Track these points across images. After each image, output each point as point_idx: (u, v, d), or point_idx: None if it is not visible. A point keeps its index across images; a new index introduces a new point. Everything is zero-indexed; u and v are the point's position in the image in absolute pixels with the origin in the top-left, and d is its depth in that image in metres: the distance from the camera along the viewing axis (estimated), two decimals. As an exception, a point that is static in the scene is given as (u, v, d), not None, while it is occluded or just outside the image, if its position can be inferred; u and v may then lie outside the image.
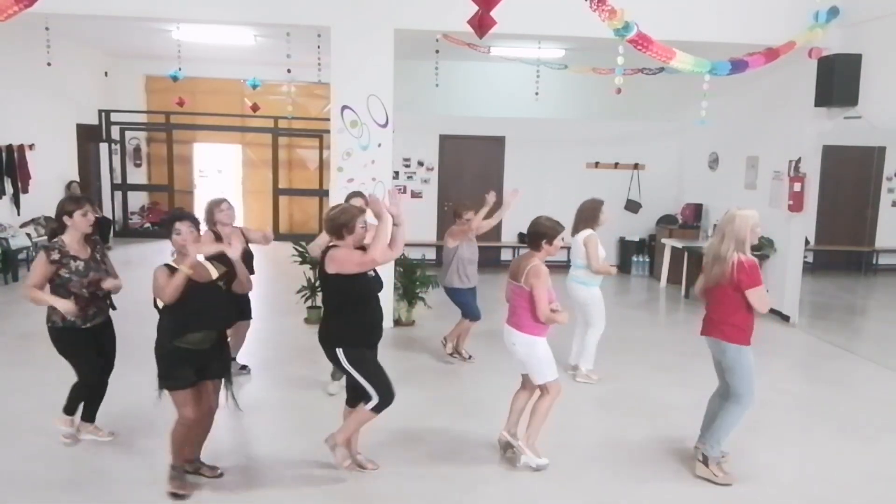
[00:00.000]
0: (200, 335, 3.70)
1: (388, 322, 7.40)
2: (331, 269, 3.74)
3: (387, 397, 3.90)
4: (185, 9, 7.23)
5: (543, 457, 4.29)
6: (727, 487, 4.17)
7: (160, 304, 3.67)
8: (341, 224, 3.78)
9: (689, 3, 7.43)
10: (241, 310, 5.54)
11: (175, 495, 3.81)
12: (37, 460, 4.26)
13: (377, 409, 3.89)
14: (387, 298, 7.37)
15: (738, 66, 6.28)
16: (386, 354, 6.28)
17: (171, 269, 3.63)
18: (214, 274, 3.79)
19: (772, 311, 8.71)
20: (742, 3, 7.48)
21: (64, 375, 5.67)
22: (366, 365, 3.89)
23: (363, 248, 3.82)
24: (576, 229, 5.95)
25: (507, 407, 4.50)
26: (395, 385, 5.85)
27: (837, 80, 7.37)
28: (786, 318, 8.34)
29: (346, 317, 3.85)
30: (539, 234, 4.22)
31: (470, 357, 6.54)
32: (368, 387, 3.87)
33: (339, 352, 3.83)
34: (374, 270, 3.97)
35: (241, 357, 6.45)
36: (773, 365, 6.55)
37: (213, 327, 3.79)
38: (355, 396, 4.05)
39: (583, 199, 11.50)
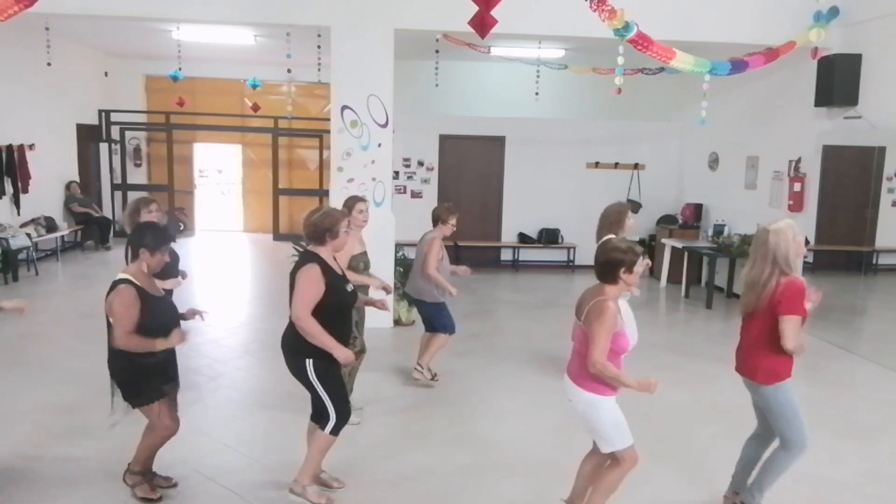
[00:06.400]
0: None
1: (387, 322, 7.42)
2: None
3: (344, 415, 3.70)
4: (185, 9, 7.23)
5: None
6: (723, 488, 4.15)
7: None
8: (325, 229, 3.64)
9: (690, 3, 7.43)
10: None
11: (146, 500, 3.78)
12: (36, 460, 4.25)
13: (336, 431, 3.69)
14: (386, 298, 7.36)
15: (738, 66, 6.29)
16: (385, 354, 6.33)
17: (138, 290, 3.52)
18: (160, 289, 3.85)
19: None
20: (742, 4, 7.48)
21: (64, 375, 5.67)
22: (332, 380, 3.67)
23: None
24: (599, 236, 5.36)
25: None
26: (396, 385, 5.90)
27: (837, 80, 7.37)
28: (786, 318, 8.33)
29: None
30: (614, 262, 3.25)
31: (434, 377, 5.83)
32: (329, 404, 3.65)
33: (309, 363, 3.59)
34: (352, 284, 3.84)
35: (242, 361, 6.45)
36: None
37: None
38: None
39: (583, 198, 11.40)
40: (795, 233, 3.44)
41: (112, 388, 3.73)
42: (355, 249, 4.77)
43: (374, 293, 4.93)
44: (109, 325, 3.56)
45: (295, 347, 3.62)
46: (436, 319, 5.62)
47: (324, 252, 3.66)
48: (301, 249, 7.60)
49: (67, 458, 4.27)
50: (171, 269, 4.81)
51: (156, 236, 3.68)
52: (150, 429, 3.75)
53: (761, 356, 3.51)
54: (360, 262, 4.81)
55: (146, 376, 3.63)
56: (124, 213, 5.05)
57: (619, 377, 3.17)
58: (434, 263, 5.37)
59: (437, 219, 5.50)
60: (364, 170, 7.42)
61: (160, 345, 3.53)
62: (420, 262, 5.49)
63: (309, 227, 3.66)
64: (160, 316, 3.63)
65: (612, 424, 3.27)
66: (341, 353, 3.59)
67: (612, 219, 5.35)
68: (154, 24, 9.12)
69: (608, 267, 3.26)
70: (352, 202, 4.93)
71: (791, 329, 3.36)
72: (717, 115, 8.49)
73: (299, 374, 3.66)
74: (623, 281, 3.25)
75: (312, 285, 3.53)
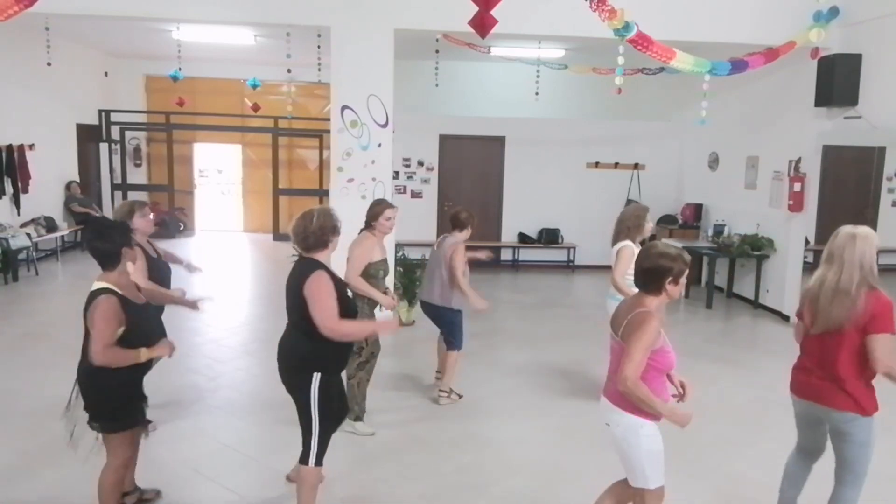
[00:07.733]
0: (152, 361, 3.29)
1: (388, 322, 7.42)
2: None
3: (325, 445, 3.38)
4: (185, 9, 7.23)
5: None
6: (724, 487, 4.15)
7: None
8: (331, 228, 3.37)
9: (690, 3, 7.43)
10: None
11: None
12: (36, 460, 4.25)
13: (319, 460, 3.36)
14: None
15: (738, 66, 6.29)
16: (386, 355, 6.31)
17: (120, 299, 3.09)
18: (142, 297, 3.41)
19: (772, 311, 8.71)
20: (742, 4, 7.48)
21: (64, 375, 5.67)
22: (329, 401, 3.35)
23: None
24: (616, 240, 5.16)
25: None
26: (396, 386, 5.89)
27: (837, 80, 7.37)
28: (786, 318, 8.34)
29: (325, 340, 3.26)
30: (660, 270, 2.88)
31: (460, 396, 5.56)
32: (317, 426, 3.32)
33: (316, 377, 3.28)
34: (349, 291, 3.51)
35: (242, 361, 6.45)
36: (774, 365, 6.55)
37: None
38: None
39: (583, 198, 11.32)
40: (877, 244, 3.10)
41: (69, 412, 3.28)
42: (375, 256, 4.54)
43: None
44: (87, 339, 3.13)
45: (303, 361, 3.33)
46: (456, 328, 5.29)
47: (322, 258, 3.40)
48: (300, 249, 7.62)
49: (68, 459, 4.26)
50: (162, 280, 4.48)
51: (120, 231, 3.25)
52: (110, 465, 3.28)
53: (852, 383, 3.11)
54: (380, 270, 4.59)
55: (130, 397, 3.22)
56: (114, 213, 4.62)
57: (650, 400, 2.80)
58: (461, 269, 5.10)
59: (464, 224, 5.27)
60: (364, 170, 7.42)
61: (145, 355, 3.12)
62: (443, 268, 5.19)
63: (315, 233, 3.33)
64: (142, 324, 3.22)
65: (648, 455, 2.94)
66: (384, 326, 3.89)
67: (630, 223, 5.10)
68: (154, 24, 9.12)
69: (653, 275, 2.89)
70: (380, 208, 4.59)
71: (885, 350, 2.99)
72: (717, 115, 8.49)
73: (300, 388, 3.33)
74: (666, 293, 2.91)
75: (331, 292, 3.27)
